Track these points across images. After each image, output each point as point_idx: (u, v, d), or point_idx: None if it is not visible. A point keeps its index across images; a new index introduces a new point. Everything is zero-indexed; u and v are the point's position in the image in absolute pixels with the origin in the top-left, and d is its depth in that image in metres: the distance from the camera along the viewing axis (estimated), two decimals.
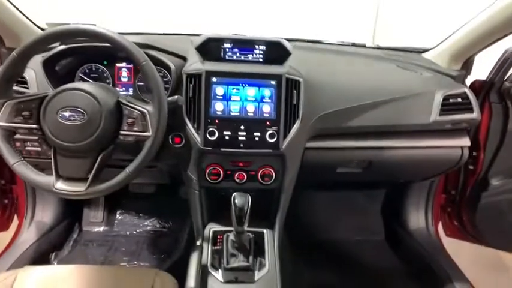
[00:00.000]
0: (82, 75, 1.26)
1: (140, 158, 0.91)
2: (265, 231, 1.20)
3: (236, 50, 1.25)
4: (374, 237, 1.84)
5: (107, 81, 1.27)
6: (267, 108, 1.14)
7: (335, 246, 1.76)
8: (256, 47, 1.26)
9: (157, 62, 1.13)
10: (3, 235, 1.62)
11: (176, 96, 1.04)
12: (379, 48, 1.68)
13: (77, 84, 0.92)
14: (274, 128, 1.12)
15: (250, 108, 1.14)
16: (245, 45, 1.25)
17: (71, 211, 1.71)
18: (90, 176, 0.90)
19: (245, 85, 1.15)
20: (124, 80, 1.28)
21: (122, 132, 0.92)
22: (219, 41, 1.23)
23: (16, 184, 1.61)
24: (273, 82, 1.15)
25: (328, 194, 1.87)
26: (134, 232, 1.77)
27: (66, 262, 1.55)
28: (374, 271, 1.62)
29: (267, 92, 1.15)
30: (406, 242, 1.73)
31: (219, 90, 1.14)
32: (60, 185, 0.90)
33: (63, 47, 1.13)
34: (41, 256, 1.52)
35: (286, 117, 1.13)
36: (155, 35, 1.49)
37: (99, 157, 0.92)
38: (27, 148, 1.15)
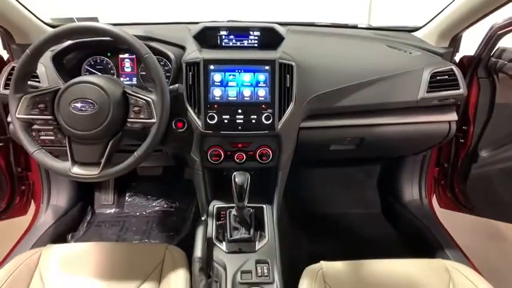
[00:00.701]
0: (88, 67, 1.34)
1: (147, 143, 1.00)
2: (264, 206, 1.30)
3: (232, 36, 1.33)
4: (371, 210, 1.94)
5: (112, 72, 1.35)
6: (262, 92, 1.21)
7: (333, 219, 1.87)
8: (251, 33, 1.33)
9: (158, 52, 1.20)
10: (22, 219, 1.74)
11: (177, 85, 1.12)
12: (370, 28, 1.72)
13: (86, 77, 1.00)
14: (269, 110, 1.20)
15: (247, 92, 1.21)
16: (240, 31, 1.32)
17: (84, 195, 1.83)
18: (103, 160, 1.00)
19: (241, 71, 1.22)
20: (127, 70, 1.35)
21: (129, 120, 1.01)
22: (215, 29, 1.30)
23: (31, 171, 1.71)
24: (266, 67, 1.22)
25: (326, 170, 1.96)
26: (144, 213, 1.89)
27: (82, 241, 1.67)
28: (370, 241, 1.73)
29: (261, 76, 1.22)
30: (401, 214, 1.82)
31: (217, 77, 1.21)
32: (76, 170, 0.99)
33: (70, 42, 1.21)
34: (58, 237, 1.64)
35: (281, 100, 1.20)
36: (153, 25, 1.56)
37: (110, 143, 1.01)
38: (43, 137, 1.25)
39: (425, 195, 1.81)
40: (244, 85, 1.22)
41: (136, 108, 1.01)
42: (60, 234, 1.65)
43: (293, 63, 1.21)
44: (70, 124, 0.97)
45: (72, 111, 0.97)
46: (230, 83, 1.21)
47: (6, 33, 1.32)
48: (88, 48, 1.29)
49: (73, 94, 0.97)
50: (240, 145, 1.26)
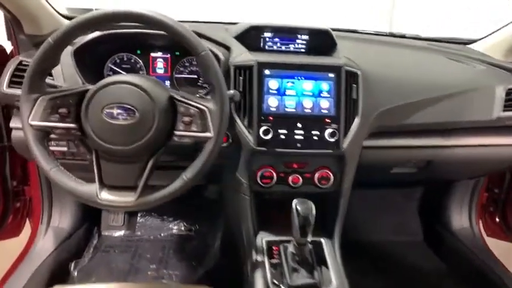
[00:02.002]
0: (112, 66, 1.12)
1: (200, 163, 0.78)
2: (323, 240, 1.09)
3: (277, 39, 1.15)
4: (411, 237, 1.74)
5: (140, 72, 1.14)
6: (325, 104, 1.02)
7: (372, 248, 1.67)
8: (299, 36, 1.15)
9: None
10: (13, 241, 1.48)
11: (232, 91, 0.91)
12: (420, 38, 1.56)
13: (124, 77, 0.78)
14: (333, 125, 1.01)
15: (307, 103, 1.02)
16: (287, 34, 1.14)
17: (90, 214, 1.57)
18: (140, 183, 0.78)
19: (301, 78, 1.03)
20: (159, 71, 1.14)
21: (177, 132, 0.79)
22: (260, 29, 1.12)
23: (29, 185, 1.47)
24: (331, 75, 1.03)
25: (362, 193, 1.76)
26: (158, 236, 1.64)
27: (87, 272, 1.42)
28: (417, 275, 1.53)
29: (324, 85, 1.03)
30: (449, 243, 1.64)
31: (273, 84, 1.01)
32: (106, 196, 0.77)
33: (97, 33, 0.99)
34: (59, 266, 1.39)
35: (346, 113, 1.02)
36: (188, 23, 1.35)
37: (150, 162, 0.79)
38: (53, 148, 1.01)
39: (476, 223, 1.64)
40: (304, 94, 1.02)
41: (186, 119, 0.79)
42: (61, 263, 1.40)
43: (359, 72, 1.05)
44: (101, 136, 0.75)
45: (105, 120, 0.74)
46: (288, 92, 1.02)
47: (15, 21, 1.09)
48: (115, 42, 1.07)
49: (107, 97, 0.75)
50: (295, 165, 1.05)
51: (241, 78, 1.00)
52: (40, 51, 0.75)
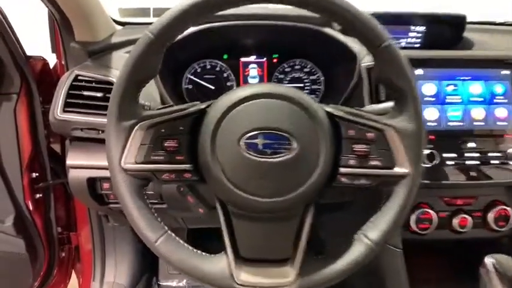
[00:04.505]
0: (192, 77, 0.85)
1: (392, 215, 0.49)
2: None
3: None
4: None
5: (228, 84, 0.86)
6: (502, 113, 0.72)
7: None
8: (412, 27, 0.86)
9: (338, 47, 0.72)
10: None
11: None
12: None
13: (260, 87, 0.49)
14: None
15: (477, 113, 0.73)
16: (399, 24, 0.86)
17: (148, 262, 1.28)
18: (298, 254, 0.48)
19: (466, 79, 0.74)
20: (252, 81, 0.86)
21: (344, 170, 0.49)
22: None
23: (75, 231, 1.19)
24: (505, 72, 0.74)
25: None
26: None
27: None
28: None
29: (498, 88, 0.73)
30: None
31: (429, 89, 0.73)
32: (246, 276, 0.48)
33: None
34: None
35: None
36: None
37: (307, 217, 0.50)
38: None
39: None
40: (472, 101, 0.73)
41: (359, 147, 0.49)
42: None
43: None
44: (238, 182, 0.46)
45: (246, 156, 0.46)
46: (449, 98, 0.73)
47: (65, 25, 0.82)
48: (198, 45, 0.80)
49: (246, 121, 0.47)
50: (459, 202, 0.75)
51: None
52: (134, 52, 0.47)
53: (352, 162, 0.49)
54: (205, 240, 1.36)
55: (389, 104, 0.60)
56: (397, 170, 0.48)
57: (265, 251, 0.49)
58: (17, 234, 0.98)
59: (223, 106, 0.47)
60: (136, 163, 0.48)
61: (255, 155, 0.45)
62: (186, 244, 0.49)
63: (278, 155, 0.46)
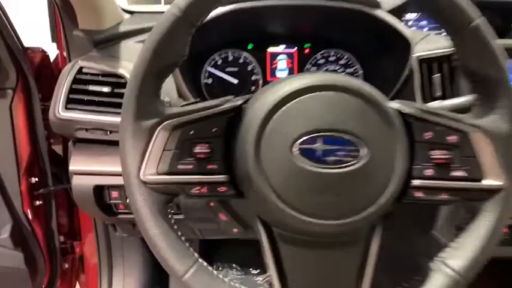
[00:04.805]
0: (212, 70, 0.74)
1: (479, 241, 0.38)
2: None
3: (424, 22, 0.79)
4: None
5: (253, 78, 0.76)
6: None
7: None
8: None
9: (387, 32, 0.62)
10: None
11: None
12: None
13: (326, 77, 0.38)
14: None
15: None
16: None
17: (158, 274, 1.18)
18: (364, 284, 0.38)
19: None
20: (281, 74, 0.76)
21: (417, 183, 0.39)
22: None
23: (79, 240, 1.10)
24: None
25: None
26: None
27: None
28: None
29: None
30: None
31: None
32: None
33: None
34: None
35: None
36: None
37: (374, 241, 0.39)
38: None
39: None
40: None
41: (438, 154, 0.39)
42: None
43: None
44: (291, 199, 0.36)
45: (298, 165, 0.35)
46: None
47: (67, 12, 0.72)
48: (221, 32, 0.70)
49: (300, 121, 0.36)
50: None
51: (436, 76, 0.61)
52: (155, 34, 0.36)
53: (429, 172, 0.39)
54: (212, 248, 1.27)
55: (467, 98, 0.49)
56: (488, 182, 0.38)
57: (323, 284, 0.39)
58: (14, 247, 0.89)
59: (270, 102, 0.37)
60: (159, 174, 0.37)
61: (313, 164, 0.35)
62: (220, 276, 0.39)
63: (343, 165, 0.35)
